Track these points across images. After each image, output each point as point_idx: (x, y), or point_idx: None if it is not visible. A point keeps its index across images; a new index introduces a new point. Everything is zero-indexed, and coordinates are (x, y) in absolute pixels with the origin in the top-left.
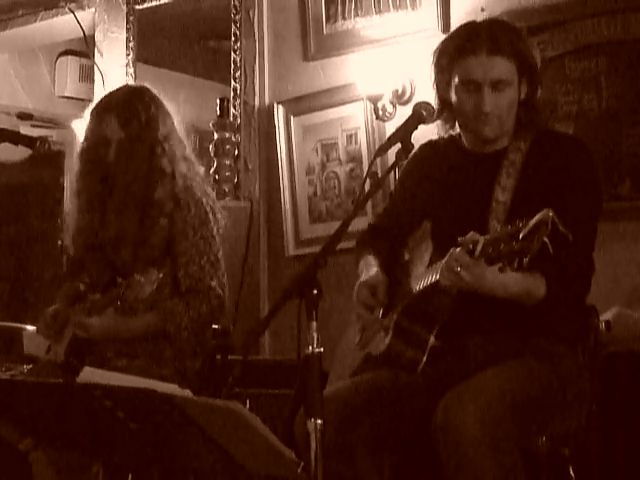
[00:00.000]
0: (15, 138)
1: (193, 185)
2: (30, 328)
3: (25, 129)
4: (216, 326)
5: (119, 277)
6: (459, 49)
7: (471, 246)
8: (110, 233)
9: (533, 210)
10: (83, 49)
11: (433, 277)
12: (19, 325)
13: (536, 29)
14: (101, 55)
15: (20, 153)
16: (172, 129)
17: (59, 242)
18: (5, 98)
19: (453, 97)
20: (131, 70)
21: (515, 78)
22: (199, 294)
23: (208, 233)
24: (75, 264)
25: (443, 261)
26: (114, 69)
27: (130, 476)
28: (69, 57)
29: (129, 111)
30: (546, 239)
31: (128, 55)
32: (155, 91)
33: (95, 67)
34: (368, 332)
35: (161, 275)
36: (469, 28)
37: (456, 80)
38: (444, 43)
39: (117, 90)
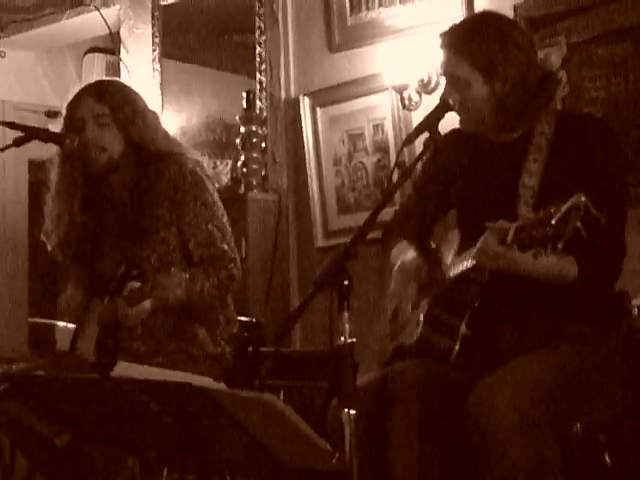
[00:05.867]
0: (44, 136)
1: (184, 155)
2: (62, 324)
3: (53, 127)
4: (246, 318)
5: (133, 269)
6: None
7: (502, 233)
8: (111, 233)
9: (561, 193)
10: (109, 46)
11: (463, 266)
12: (51, 321)
13: (561, 15)
14: (127, 51)
15: (49, 150)
16: (146, 106)
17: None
18: (33, 96)
19: None
20: (157, 66)
21: (473, 76)
22: (214, 260)
23: (209, 199)
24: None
25: (474, 249)
26: (140, 65)
27: (165, 470)
28: (95, 54)
29: (101, 88)
30: (579, 224)
31: (154, 51)
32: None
33: (121, 64)
34: (399, 322)
35: (183, 276)
36: (452, 25)
37: None
38: None
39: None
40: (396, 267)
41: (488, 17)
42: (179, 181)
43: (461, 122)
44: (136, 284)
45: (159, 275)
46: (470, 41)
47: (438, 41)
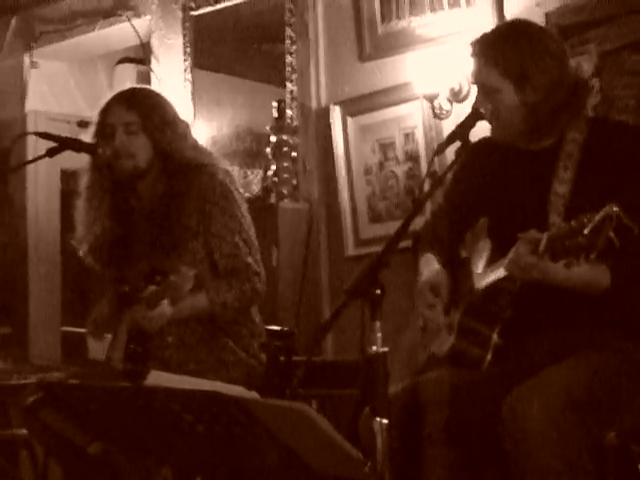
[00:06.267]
0: (77, 146)
1: (214, 165)
2: None
3: (85, 136)
4: (278, 327)
5: (157, 275)
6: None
7: (534, 243)
8: (141, 241)
9: (592, 201)
10: (140, 56)
11: (494, 276)
12: (85, 330)
13: (592, 23)
14: (158, 62)
15: (82, 160)
16: (176, 115)
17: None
18: (65, 107)
19: None
20: (188, 76)
21: (503, 85)
22: (239, 273)
23: (237, 211)
24: (106, 275)
25: (505, 260)
26: (171, 75)
27: (199, 479)
28: (126, 64)
29: (131, 96)
30: (612, 234)
31: (185, 61)
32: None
33: (152, 74)
34: (430, 332)
35: (192, 273)
36: (483, 34)
37: None
38: None
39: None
40: (419, 281)
41: (519, 25)
42: (208, 192)
43: (492, 131)
44: (153, 287)
45: (172, 275)
46: (501, 49)
47: (469, 49)
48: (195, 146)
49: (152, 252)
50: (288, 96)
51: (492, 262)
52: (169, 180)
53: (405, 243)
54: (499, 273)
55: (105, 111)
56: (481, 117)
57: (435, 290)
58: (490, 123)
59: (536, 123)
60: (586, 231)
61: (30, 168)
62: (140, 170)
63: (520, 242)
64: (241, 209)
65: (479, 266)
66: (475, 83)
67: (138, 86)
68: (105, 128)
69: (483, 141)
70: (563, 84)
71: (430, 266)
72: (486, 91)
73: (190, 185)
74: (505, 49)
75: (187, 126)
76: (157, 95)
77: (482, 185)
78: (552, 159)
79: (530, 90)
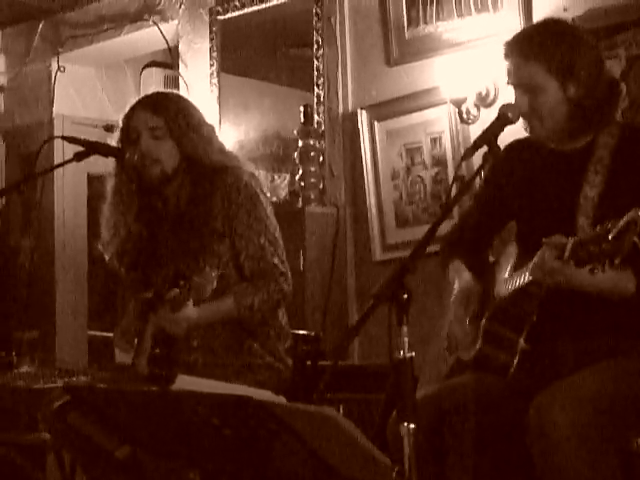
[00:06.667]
0: (104, 150)
1: (239, 168)
2: None
3: (112, 141)
4: (305, 332)
5: (181, 280)
6: (503, 52)
7: (559, 249)
8: (167, 246)
9: (621, 206)
10: (167, 60)
11: (521, 280)
12: (111, 335)
13: (619, 27)
14: (185, 66)
15: (109, 165)
16: (201, 119)
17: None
18: (93, 111)
19: None
20: (215, 80)
21: (549, 81)
22: (265, 274)
23: (262, 213)
24: (132, 280)
25: (530, 264)
26: (198, 79)
27: None
28: (154, 69)
29: (157, 101)
30: (636, 239)
31: (212, 65)
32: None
33: (180, 78)
34: (456, 337)
35: (215, 273)
36: (517, 33)
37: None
38: None
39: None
40: (453, 296)
41: (556, 23)
42: (233, 194)
43: (534, 130)
44: (177, 290)
45: (195, 276)
46: (546, 46)
47: (496, 54)
48: (221, 150)
49: (178, 256)
50: (315, 100)
51: (519, 266)
52: (195, 184)
53: (432, 248)
54: (525, 278)
55: (130, 116)
56: (509, 122)
57: (466, 303)
58: (530, 123)
59: (578, 119)
60: (610, 236)
61: (57, 172)
62: (166, 175)
63: (545, 247)
64: (266, 211)
65: (506, 271)
66: (514, 84)
67: (163, 90)
68: (130, 133)
69: (513, 145)
70: (602, 80)
71: (461, 275)
72: (529, 90)
73: (215, 187)
74: (550, 45)
75: (213, 129)
76: (182, 99)
77: (512, 188)
78: (583, 162)
79: (574, 86)
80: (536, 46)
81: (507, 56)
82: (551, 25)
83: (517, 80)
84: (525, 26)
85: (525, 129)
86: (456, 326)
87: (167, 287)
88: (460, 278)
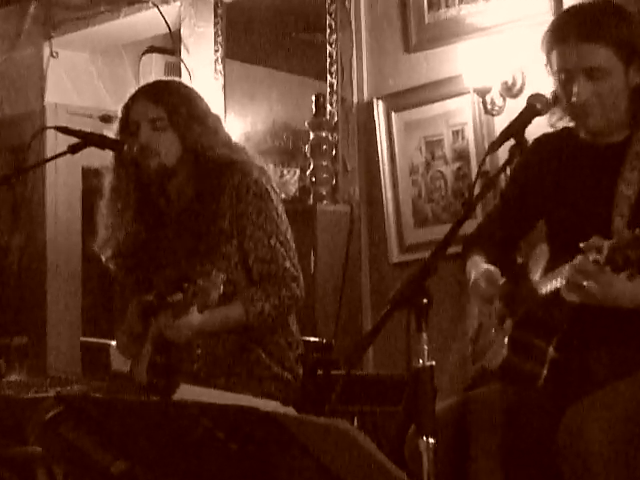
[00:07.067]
0: (101, 142)
1: (248, 163)
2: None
3: (109, 132)
4: (316, 339)
5: (185, 283)
6: (553, 36)
7: (596, 254)
8: (170, 247)
9: None
10: (168, 46)
11: (552, 285)
12: (106, 341)
13: None
14: (188, 52)
15: (105, 158)
16: (206, 109)
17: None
18: (87, 100)
19: (556, 87)
20: (220, 67)
21: (616, 65)
22: (275, 279)
23: (273, 212)
24: (130, 283)
25: (565, 272)
26: (202, 66)
27: None
28: (154, 55)
29: (158, 90)
30: None
31: (216, 51)
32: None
33: (182, 65)
34: (481, 343)
35: (222, 277)
36: (568, 13)
37: (554, 69)
38: (546, 30)
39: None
40: (470, 285)
41: (609, 3)
42: (242, 191)
43: (587, 121)
44: (179, 295)
45: (200, 280)
46: (610, 27)
47: (524, 40)
48: (227, 142)
49: (182, 258)
50: (328, 90)
51: (551, 269)
52: (200, 180)
53: (454, 249)
54: (554, 284)
55: (129, 106)
56: (537, 113)
57: (491, 282)
58: (587, 113)
59: (635, 109)
60: None
61: (49, 166)
62: (167, 169)
63: (578, 258)
64: (277, 209)
65: (536, 273)
66: (571, 69)
67: (164, 78)
68: (129, 124)
69: (543, 138)
70: None
71: (479, 266)
72: (593, 76)
73: (222, 184)
74: (616, 26)
75: (219, 120)
76: (185, 88)
77: (541, 186)
78: (619, 158)
79: (635, 71)
80: (604, 27)
81: (563, 40)
82: (609, 5)
83: (582, 64)
84: (555, 10)
85: (572, 120)
86: (487, 307)
87: (170, 290)
88: (477, 268)
